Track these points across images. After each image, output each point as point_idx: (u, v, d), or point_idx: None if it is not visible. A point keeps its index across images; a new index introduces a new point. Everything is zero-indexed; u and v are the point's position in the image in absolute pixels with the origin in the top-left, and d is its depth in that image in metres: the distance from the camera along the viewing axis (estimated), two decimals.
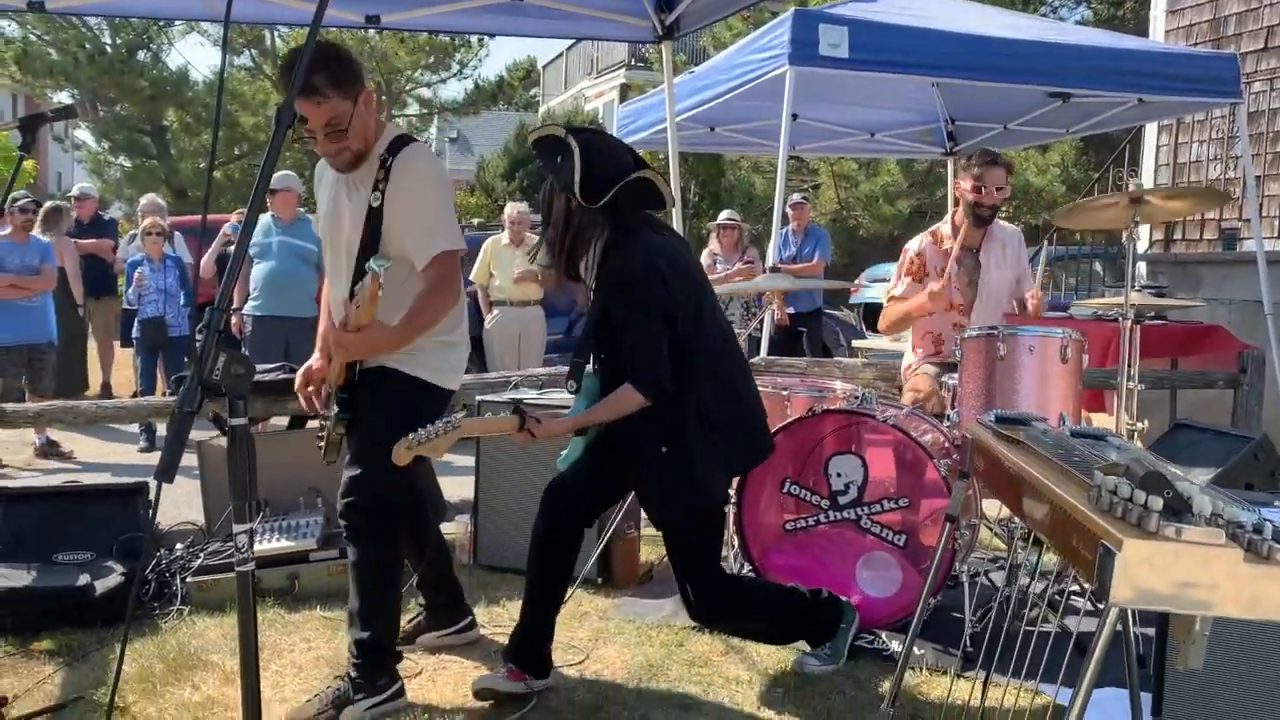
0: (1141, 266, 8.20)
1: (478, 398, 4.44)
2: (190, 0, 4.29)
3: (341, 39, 20.64)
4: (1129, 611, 2.67)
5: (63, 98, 22.49)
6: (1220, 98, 5.90)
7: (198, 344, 1.39)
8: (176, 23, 18.62)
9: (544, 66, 30.52)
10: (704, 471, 2.92)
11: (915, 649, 3.33)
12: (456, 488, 4.87)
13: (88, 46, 20.70)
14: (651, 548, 4.48)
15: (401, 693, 2.96)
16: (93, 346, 9.35)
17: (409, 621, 3.41)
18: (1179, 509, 1.64)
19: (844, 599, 3.31)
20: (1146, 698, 2.85)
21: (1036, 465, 2.07)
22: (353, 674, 2.90)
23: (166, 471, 1.38)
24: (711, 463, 2.93)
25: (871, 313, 9.98)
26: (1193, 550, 1.57)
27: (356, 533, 2.95)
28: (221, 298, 1.42)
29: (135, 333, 7.63)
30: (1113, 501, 1.69)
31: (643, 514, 4.60)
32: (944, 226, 4.32)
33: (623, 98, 22.37)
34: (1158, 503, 1.62)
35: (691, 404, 2.88)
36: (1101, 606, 3.18)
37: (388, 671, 2.94)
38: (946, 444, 3.66)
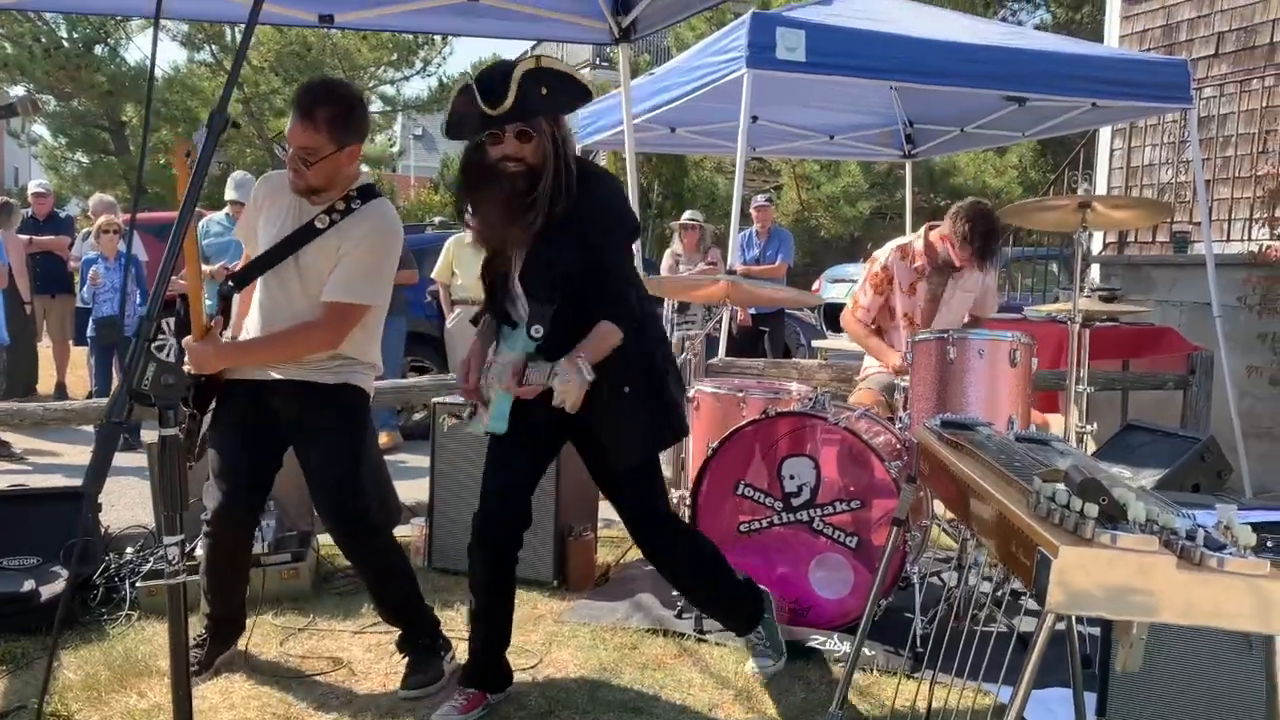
0: (1095, 268, 8.30)
1: (434, 400, 4.41)
2: None
3: (302, 37, 20.49)
4: (1073, 617, 2.71)
5: (18, 92, 22.14)
6: (1171, 103, 5.98)
7: (155, 342, 1.38)
8: (135, 18, 18.39)
9: None
10: (673, 398, 2.92)
11: (866, 650, 3.36)
12: (411, 490, 4.84)
13: (43, 40, 20.33)
14: (608, 550, 4.48)
15: (451, 654, 3.27)
16: (46, 345, 9.21)
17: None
18: (1114, 516, 1.67)
19: (761, 586, 3.34)
20: (1093, 698, 2.90)
21: (979, 471, 2.09)
22: (413, 672, 3.15)
23: (95, 481, 1.36)
24: (677, 389, 2.95)
25: (832, 313, 10.03)
26: (1127, 557, 1.59)
27: (361, 553, 3.12)
28: (152, 306, 1.40)
29: (90, 331, 7.53)
30: (1050, 508, 1.71)
31: (600, 516, 4.60)
32: (916, 242, 4.31)
33: None
34: (1093, 510, 1.65)
35: (651, 336, 2.89)
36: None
37: (435, 652, 3.20)
38: (898, 446, 3.68)
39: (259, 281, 2.99)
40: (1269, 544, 2.68)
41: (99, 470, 1.36)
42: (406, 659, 3.18)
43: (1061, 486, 1.72)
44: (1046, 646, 3.37)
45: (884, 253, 4.36)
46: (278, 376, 2.99)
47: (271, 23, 2.20)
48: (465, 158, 2.74)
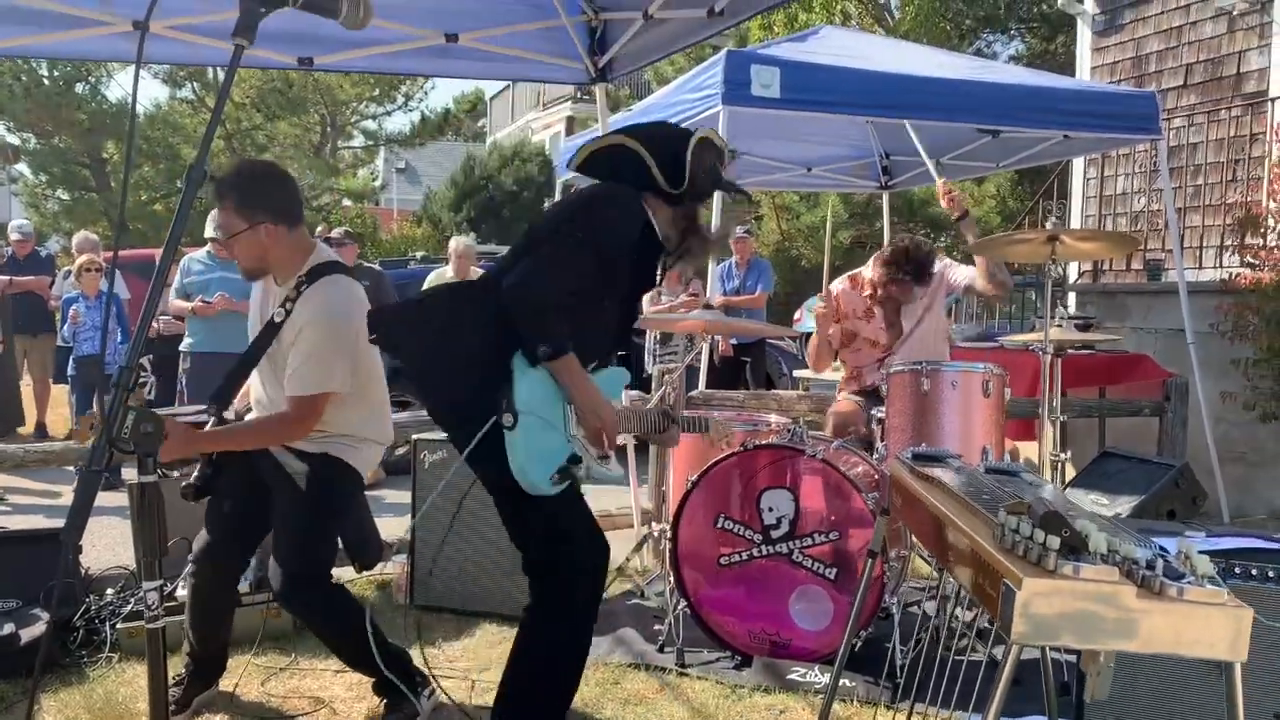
0: (1072, 297, 8.40)
1: (415, 436, 4.43)
2: (122, 42, 4.27)
3: (284, 74, 20.59)
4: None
5: None
6: (1141, 134, 6.09)
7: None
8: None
9: (491, 99, 30.64)
10: None
11: (847, 681, 3.38)
12: (392, 527, 4.85)
13: (24, 79, 20.40)
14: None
15: (429, 690, 3.22)
16: (27, 384, 9.18)
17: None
18: (1076, 547, 1.71)
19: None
20: None
21: (947, 503, 2.12)
22: (388, 713, 3.16)
23: (75, 528, 1.38)
24: None
25: None
26: (1088, 587, 1.62)
27: (308, 614, 3.12)
28: (132, 356, 1.43)
29: (71, 370, 7.52)
30: (1015, 540, 1.75)
31: None
32: (865, 271, 4.41)
33: (569, 130, 22.55)
34: (1055, 542, 1.68)
35: None
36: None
37: (410, 692, 3.13)
38: (876, 476, 3.72)
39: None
40: (1238, 570, 2.73)
41: (79, 517, 1.38)
42: (383, 700, 3.18)
43: (1025, 519, 1.76)
44: (1020, 674, 3.41)
45: (836, 284, 4.49)
46: None
47: (252, 65, 2.25)
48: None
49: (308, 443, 3.01)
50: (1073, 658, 3.33)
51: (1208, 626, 1.61)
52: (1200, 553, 2.58)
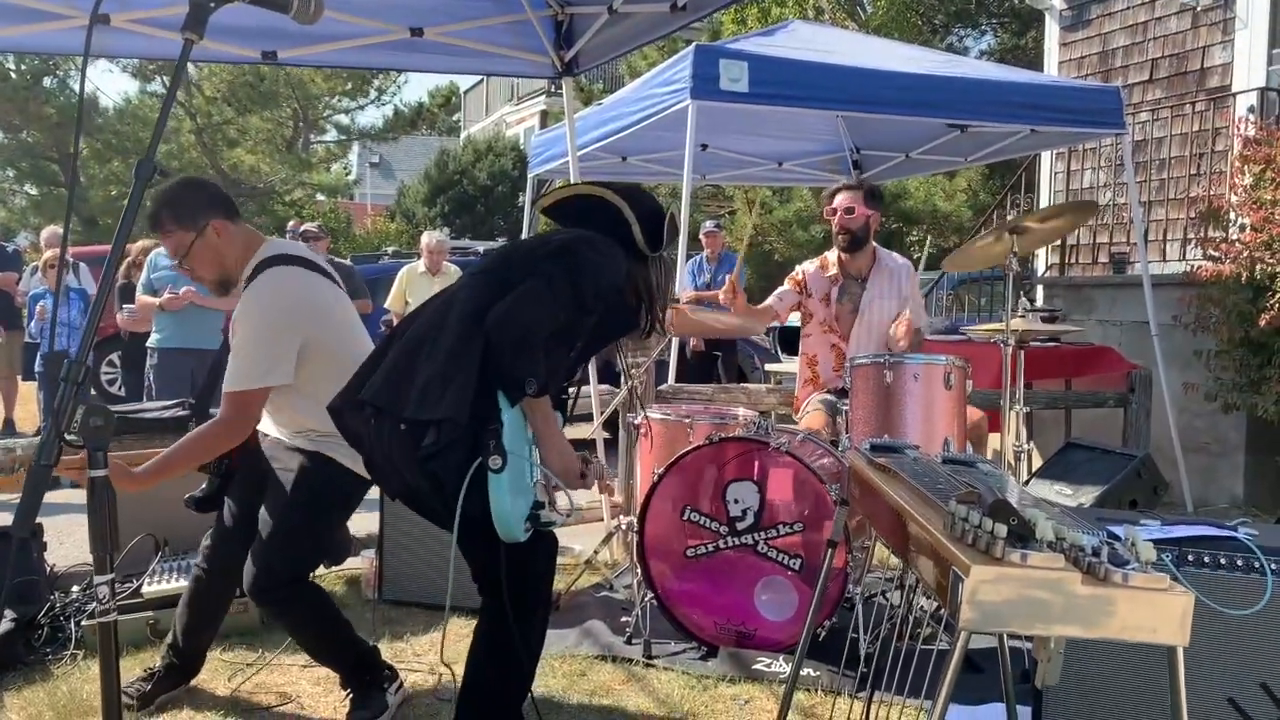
0: (1040, 290, 8.48)
1: None
2: (82, 35, 4.24)
3: (255, 68, 20.45)
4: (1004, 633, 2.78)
5: None
6: (1105, 128, 6.16)
7: (105, 374, 1.41)
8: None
9: (465, 93, 30.53)
10: None
11: (811, 670, 3.41)
12: (362, 523, 4.84)
13: None
14: (558, 579, 4.49)
15: (397, 684, 3.24)
16: None
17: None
18: (1024, 535, 1.74)
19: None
20: (1028, 711, 2.97)
21: (902, 493, 2.15)
22: (355, 708, 3.12)
23: (24, 523, 1.38)
24: None
25: (786, 336, 10.15)
26: (1035, 574, 1.65)
27: (278, 611, 3.10)
28: (83, 350, 1.43)
29: (38, 366, 7.46)
30: (965, 529, 1.78)
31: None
32: (831, 253, 4.47)
33: (543, 124, 22.50)
34: (1002, 530, 1.71)
35: None
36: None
37: (377, 686, 3.15)
38: (840, 469, 3.75)
39: None
40: (1190, 558, 2.78)
41: (28, 512, 1.38)
42: (349, 695, 3.19)
43: (974, 508, 1.79)
44: (982, 663, 3.44)
45: (806, 264, 4.55)
46: (274, 436, 3.09)
47: (215, 60, 2.24)
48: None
49: (305, 441, 3.01)
50: (1031, 645, 3.37)
51: (1151, 612, 1.64)
52: (1154, 540, 2.64)
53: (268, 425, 3.10)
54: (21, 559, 3.89)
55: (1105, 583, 1.66)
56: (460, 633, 3.83)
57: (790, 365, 8.60)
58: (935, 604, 3.80)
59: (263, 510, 3.01)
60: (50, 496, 5.54)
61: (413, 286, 7.74)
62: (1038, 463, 5.55)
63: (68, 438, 1.38)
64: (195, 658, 3.31)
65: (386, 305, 7.82)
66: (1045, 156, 8.92)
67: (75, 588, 4.09)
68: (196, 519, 3.95)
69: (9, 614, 3.66)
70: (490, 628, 2.59)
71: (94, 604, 3.71)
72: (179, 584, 3.86)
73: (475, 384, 2.34)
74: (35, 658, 3.62)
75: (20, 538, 1.37)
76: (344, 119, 27.45)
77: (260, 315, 2.85)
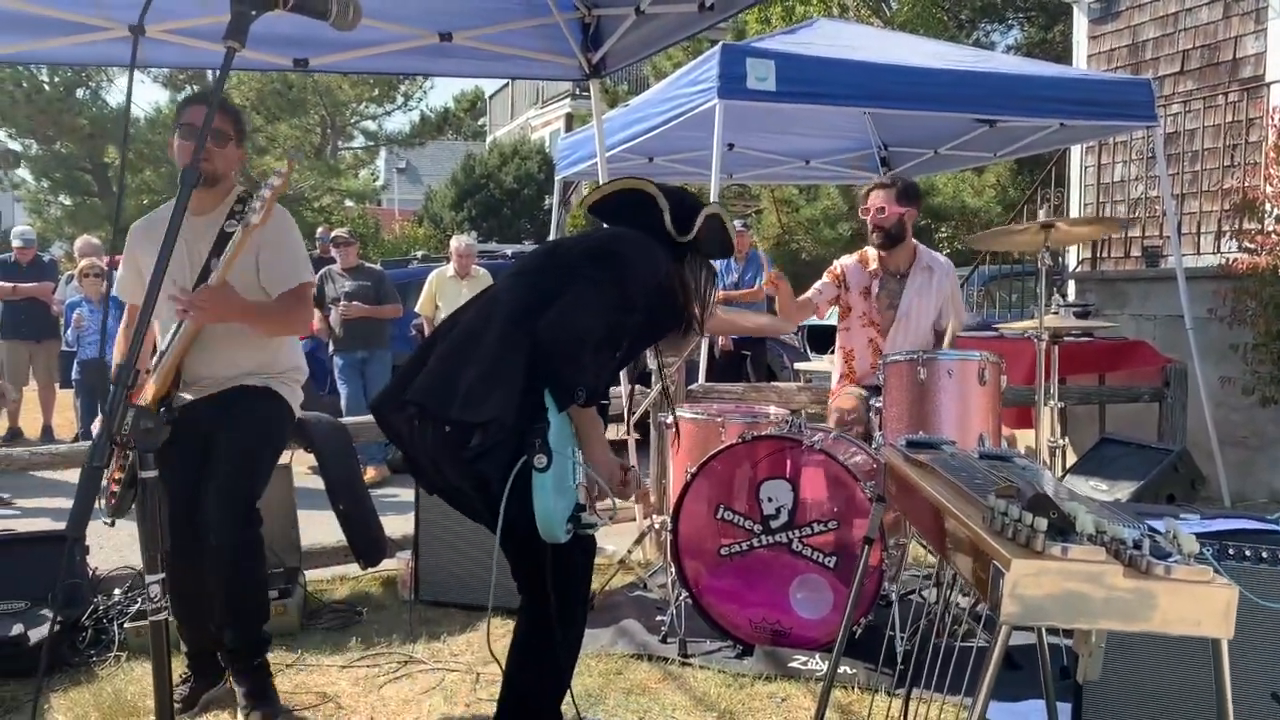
0: (1071, 284, 8.41)
1: None
2: (120, 47, 4.30)
3: (284, 76, 20.63)
4: (1043, 628, 2.77)
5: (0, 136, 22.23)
6: (1136, 121, 6.10)
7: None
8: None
9: (490, 97, 30.65)
10: None
11: (848, 668, 3.41)
12: (398, 524, 4.88)
13: (25, 85, 20.47)
14: (595, 578, 4.51)
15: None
16: (32, 388, 9.23)
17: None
18: (1064, 528, 1.73)
19: None
20: (1066, 708, 2.95)
21: (940, 488, 2.15)
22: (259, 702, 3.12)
23: (78, 525, 1.41)
24: None
25: (815, 335, 10.12)
26: (1076, 567, 1.65)
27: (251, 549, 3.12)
28: (132, 354, 1.45)
29: (75, 374, 7.57)
30: (1004, 523, 1.78)
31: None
32: (870, 250, 4.46)
33: (568, 127, 22.55)
34: (1043, 523, 1.71)
35: None
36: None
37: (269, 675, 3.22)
38: (873, 466, 3.75)
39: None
40: (1231, 551, 2.76)
41: (82, 514, 1.41)
42: (244, 688, 3.14)
43: (1013, 502, 1.78)
44: (1020, 660, 3.43)
45: (845, 258, 4.55)
46: (194, 397, 3.14)
47: (248, 69, 2.31)
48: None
49: (256, 379, 3.15)
50: (1070, 641, 3.35)
51: (1194, 604, 1.63)
52: (1194, 534, 2.62)
53: (203, 372, 3.14)
54: (66, 563, 3.95)
55: (1147, 575, 1.65)
56: (497, 632, 3.87)
57: (820, 364, 8.59)
58: (972, 601, 3.80)
59: (221, 456, 3.05)
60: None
61: (442, 290, 7.78)
62: (1072, 458, 5.51)
63: (118, 440, 1.41)
64: (210, 655, 3.28)
65: (416, 309, 7.87)
66: (1075, 150, 8.84)
67: (117, 591, 4.15)
68: None
69: (54, 617, 3.72)
70: (530, 628, 2.59)
71: (136, 606, 3.79)
72: None
73: (521, 385, 2.35)
74: (80, 659, 3.67)
75: (70, 537, 1.40)
76: (371, 125, 27.69)
77: (292, 227, 3.21)
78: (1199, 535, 2.83)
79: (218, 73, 1.65)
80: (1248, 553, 2.72)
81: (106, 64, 4.24)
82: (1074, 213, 8.79)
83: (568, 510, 2.40)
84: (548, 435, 2.34)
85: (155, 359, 3.10)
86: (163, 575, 1.46)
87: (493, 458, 2.34)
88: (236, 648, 3.13)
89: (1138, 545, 1.71)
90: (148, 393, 2.96)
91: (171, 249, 1.54)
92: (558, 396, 2.39)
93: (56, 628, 3.65)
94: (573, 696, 2.71)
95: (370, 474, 6.90)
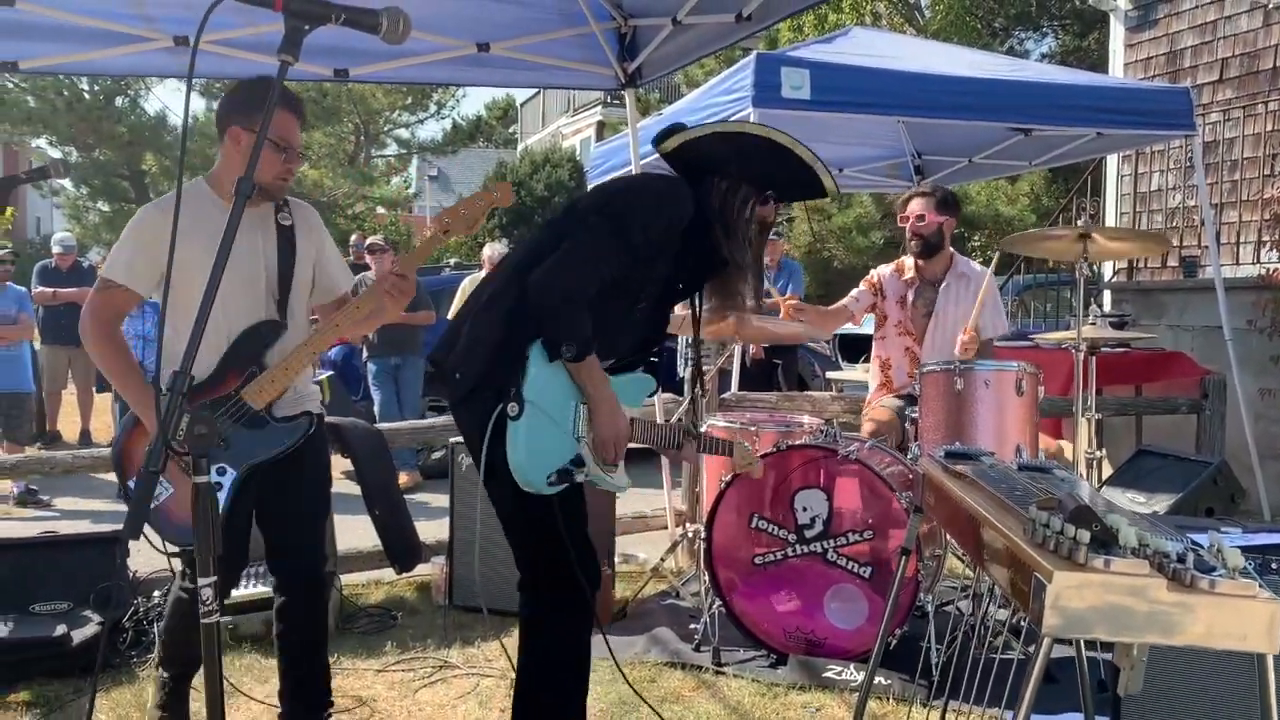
0: (1107, 295, 8.34)
1: (452, 439, 4.49)
2: (163, 57, 4.37)
3: (318, 84, 20.85)
4: (1082, 640, 2.76)
5: (41, 144, 22.60)
6: (1174, 130, 6.05)
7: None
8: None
9: (522, 105, 30.84)
10: None
11: (882, 679, 3.40)
12: (432, 530, 4.92)
13: (65, 94, 20.79)
14: (625, 585, 4.54)
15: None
16: (71, 392, 9.37)
17: None
18: (1106, 541, 1.72)
19: None
20: None
21: (980, 500, 2.14)
22: None
23: (134, 528, 1.44)
24: None
25: (846, 344, 10.09)
26: (1119, 580, 1.64)
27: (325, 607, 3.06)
28: (186, 358, 1.48)
29: None
30: (1046, 535, 1.77)
31: (618, 552, 4.67)
32: (907, 258, 4.45)
33: (599, 135, 22.65)
34: (1085, 536, 1.70)
35: None
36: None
37: None
38: (909, 476, 3.73)
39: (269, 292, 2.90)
40: (1275, 566, 2.73)
41: (138, 517, 1.44)
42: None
43: (1055, 514, 1.78)
44: (1056, 673, 3.40)
45: (882, 267, 4.55)
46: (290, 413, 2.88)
47: (289, 79, 2.30)
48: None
49: (294, 406, 2.84)
50: (1109, 655, 3.33)
51: (1239, 619, 1.62)
52: (1235, 548, 2.59)
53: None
54: (105, 565, 4.01)
55: (1191, 589, 1.64)
56: None
57: (852, 374, 8.55)
58: (1009, 613, 3.77)
59: (306, 499, 2.91)
60: (125, 505, 5.65)
61: None
62: (1108, 471, 5.46)
63: (173, 446, 1.44)
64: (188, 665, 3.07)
65: (449, 316, 7.93)
66: (1112, 159, 8.77)
67: (156, 593, 4.21)
68: None
69: (96, 618, 3.78)
70: (529, 606, 2.61)
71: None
72: (257, 589, 3.95)
73: (499, 336, 2.42)
74: (121, 660, 3.73)
75: (125, 538, 1.43)
76: (404, 133, 27.89)
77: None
78: (1241, 549, 2.80)
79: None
80: None
81: (151, 74, 4.33)
82: (1110, 222, 8.72)
83: (548, 461, 2.41)
84: (524, 385, 2.37)
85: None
86: (214, 578, 1.48)
87: (472, 405, 2.44)
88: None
89: (1181, 559, 1.70)
90: (266, 394, 2.71)
91: (227, 256, 1.54)
92: (546, 350, 2.40)
93: (96, 629, 3.69)
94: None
95: (403, 479, 6.95)
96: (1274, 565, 2.71)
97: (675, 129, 2.61)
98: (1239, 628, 1.63)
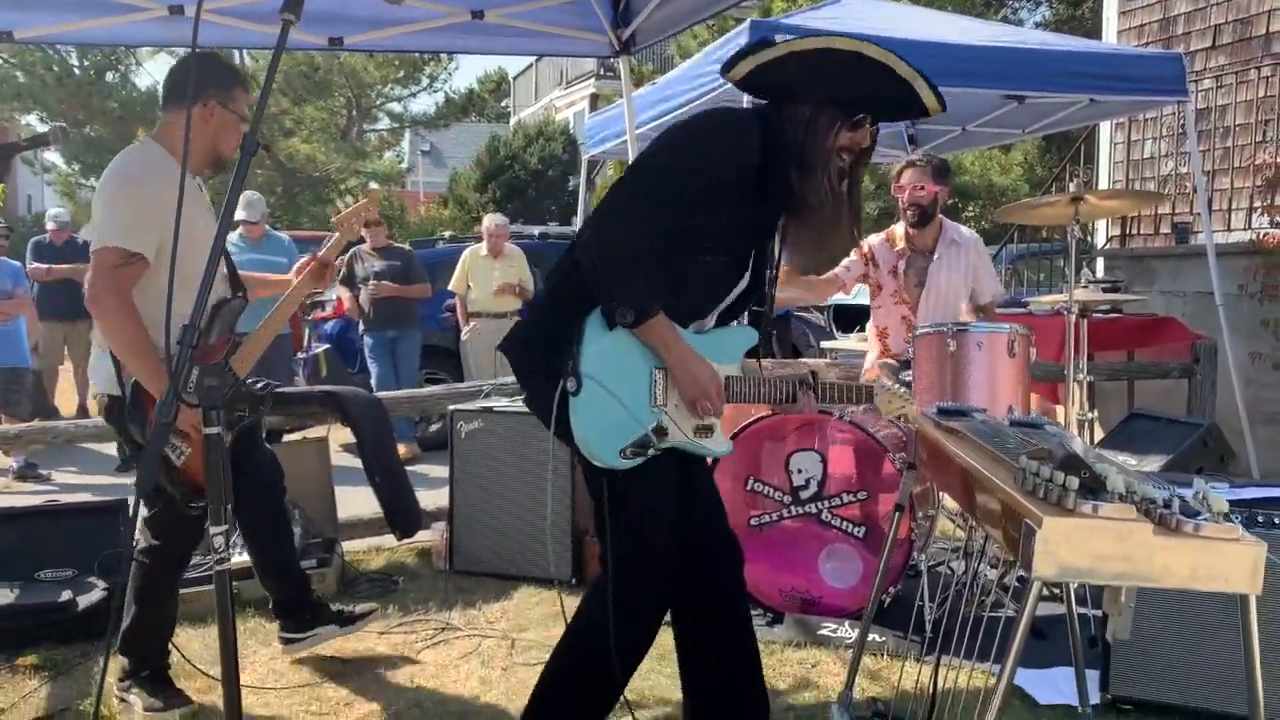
0: (1100, 262, 8.38)
1: (450, 407, 4.53)
2: (157, 27, 4.37)
3: (309, 58, 20.74)
4: (1072, 594, 2.82)
5: (31, 121, 22.46)
6: (1167, 96, 6.06)
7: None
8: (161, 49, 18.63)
9: (514, 78, 30.68)
10: None
11: (877, 636, 3.46)
12: (432, 498, 4.96)
13: (55, 69, 20.67)
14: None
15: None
16: (67, 368, 9.38)
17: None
18: (1095, 488, 1.77)
19: None
20: (1095, 675, 2.99)
21: (971, 453, 2.19)
22: None
23: (148, 476, 1.48)
24: None
25: (840, 314, 10.14)
26: (1107, 525, 1.69)
27: None
28: (196, 314, 1.52)
29: None
30: (1036, 483, 1.82)
31: None
32: (898, 227, 4.48)
33: (593, 107, 22.56)
34: (1074, 482, 1.75)
35: None
36: (1055, 591, 3.32)
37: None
38: (903, 438, 3.78)
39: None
40: (1260, 519, 2.78)
41: (151, 469, 1.48)
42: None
43: (1045, 463, 1.82)
44: (1047, 630, 3.45)
45: (873, 236, 4.57)
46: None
47: (284, 48, 2.30)
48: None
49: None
50: (1098, 612, 3.39)
51: (1223, 561, 1.67)
52: (1219, 495, 2.63)
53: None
54: (109, 532, 4.05)
55: (1177, 533, 1.69)
56: (530, 601, 3.96)
57: (846, 343, 8.59)
58: (1000, 572, 3.83)
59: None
60: (121, 479, 5.68)
61: (475, 269, 7.87)
62: (1101, 435, 5.52)
63: (185, 398, 1.47)
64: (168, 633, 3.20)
65: (450, 287, 7.96)
66: (1104, 127, 8.79)
67: None
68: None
69: (100, 584, 3.82)
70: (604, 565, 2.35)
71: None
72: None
73: (555, 306, 2.33)
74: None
75: (141, 488, 1.47)
76: (396, 106, 27.74)
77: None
78: (1229, 503, 2.86)
79: (249, 53, 1.69)
80: (1277, 520, 2.75)
81: (146, 44, 4.33)
82: (1103, 189, 8.75)
83: (618, 435, 2.26)
84: (580, 360, 2.24)
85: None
86: (226, 526, 1.52)
87: (533, 386, 2.35)
88: None
89: (1168, 504, 1.75)
90: (245, 364, 2.90)
91: (229, 224, 1.59)
92: (604, 317, 2.26)
93: (101, 594, 3.73)
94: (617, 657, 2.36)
95: (402, 451, 6.97)
96: (1260, 518, 2.76)
97: (748, 51, 2.32)
98: (1223, 570, 1.67)
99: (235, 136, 2.89)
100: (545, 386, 2.28)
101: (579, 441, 2.27)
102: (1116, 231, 8.62)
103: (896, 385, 2.59)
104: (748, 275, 2.46)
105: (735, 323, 2.52)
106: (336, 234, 3.12)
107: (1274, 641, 2.78)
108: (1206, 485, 1.83)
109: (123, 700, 3.04)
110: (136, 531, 2.92)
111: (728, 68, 2.36)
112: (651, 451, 2.30)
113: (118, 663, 3.09)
